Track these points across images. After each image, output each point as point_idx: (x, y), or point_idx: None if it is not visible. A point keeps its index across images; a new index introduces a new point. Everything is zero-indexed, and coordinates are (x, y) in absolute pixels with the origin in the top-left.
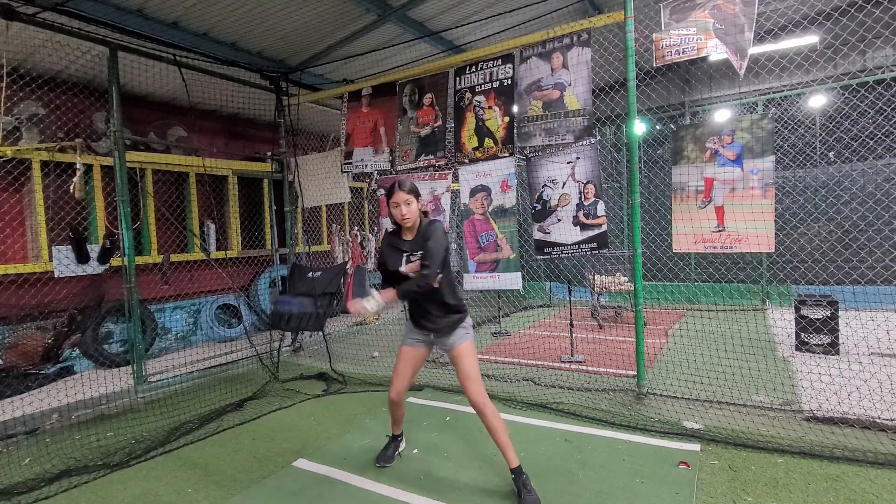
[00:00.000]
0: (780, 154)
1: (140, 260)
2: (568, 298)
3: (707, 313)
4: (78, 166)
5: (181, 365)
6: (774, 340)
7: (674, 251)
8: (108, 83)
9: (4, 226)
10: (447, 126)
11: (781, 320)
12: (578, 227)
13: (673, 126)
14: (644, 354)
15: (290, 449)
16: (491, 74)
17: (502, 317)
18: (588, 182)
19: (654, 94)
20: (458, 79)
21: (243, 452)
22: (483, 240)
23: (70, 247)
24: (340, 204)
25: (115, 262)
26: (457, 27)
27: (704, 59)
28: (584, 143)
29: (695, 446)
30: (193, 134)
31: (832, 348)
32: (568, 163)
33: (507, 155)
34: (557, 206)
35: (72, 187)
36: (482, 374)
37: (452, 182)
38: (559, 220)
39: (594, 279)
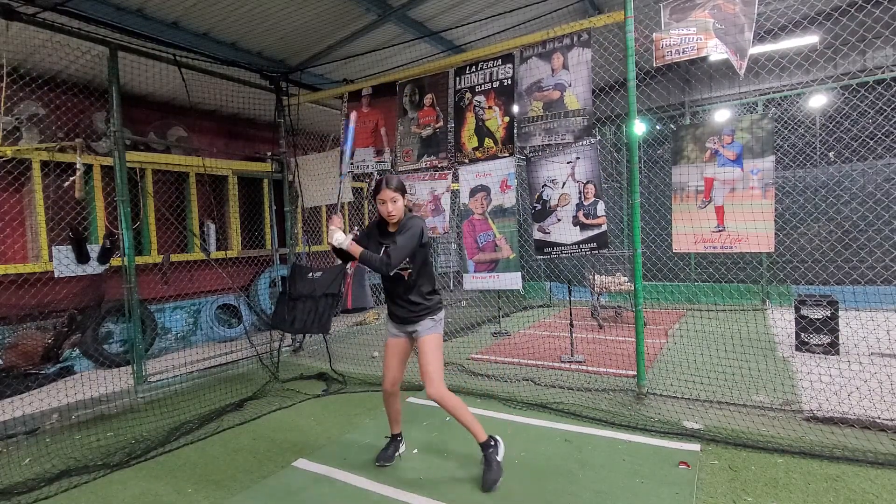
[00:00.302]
0: (780, 154)
1: (140, 260)
2: (568, 298)
3: (707, 313)
4: (78, 166)
5: (181, 365)
6: (774, 340)
7: (674, 251)
8: (108, 83)
9: (4, 226)
10: (449, 127)
11: (781, 320)
12: (578, 227)
13: (673, 126)
14: (644, 354)
15: (290, 449)
16: (491, 74)
17: (502, 317)
18: (588, 182)
19: (654, 94)
20: (458, 79)
21: (243, 452)
22: (481, 240)
23: (70, 247)
24: (341, 204)
25: (115, 262)
26: (457, 27)
27: (704, 59)
28: (584, 142)
29: (695, 446)
30: (193, 134)
31: (832, 348)
32: (568, 163)
33: (506, 155)
34: (557, 205)
35: (68, 184)
36: (482, 374)
37: (452, 182)
38: (559, 220)
39: (594, 279)
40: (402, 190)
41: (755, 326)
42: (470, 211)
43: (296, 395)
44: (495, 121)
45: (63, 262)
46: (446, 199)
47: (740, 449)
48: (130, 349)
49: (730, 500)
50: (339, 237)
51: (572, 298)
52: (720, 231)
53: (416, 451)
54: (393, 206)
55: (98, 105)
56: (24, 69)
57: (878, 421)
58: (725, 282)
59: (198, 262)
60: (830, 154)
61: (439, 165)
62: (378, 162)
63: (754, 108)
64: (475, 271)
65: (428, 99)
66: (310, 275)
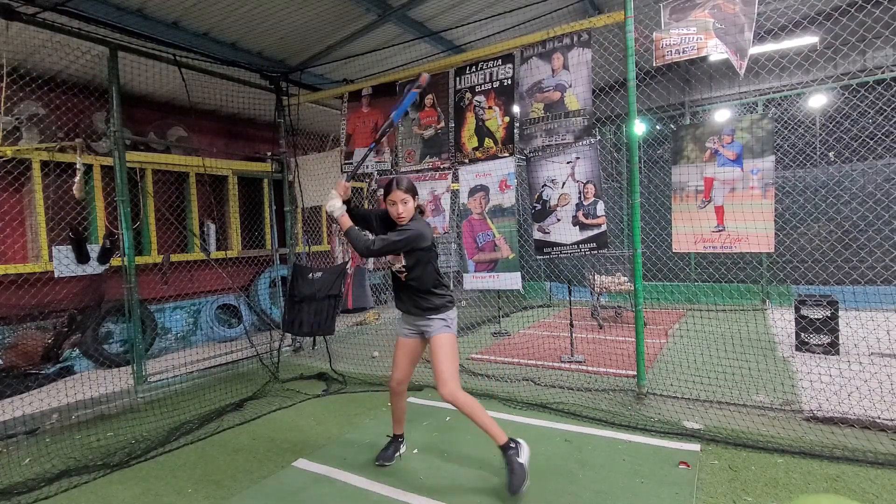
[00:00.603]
0: (780, 154)
1: (140, 260)
2: (568, 298)
3: (707, 313)
4: (78, 166)
5: (181, 365)
6: (774, 340)
7: (674, 251)
8: (108, 83)
9: (4, 226)
10: (450, 127)
11: (781, 320)
12: (578, 227)
13: (673, 126)
14: (644, 354)
15: (290, 449)
16: (491, 74)
17: (502, 317)
18: (588, 182)
19: (654, 94)
20: (458, 79)
21: (243, 452)
22: (480, 239)
23: (70, 247)
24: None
25: (115, 262)
26: (457, 27)
27: (704, 58)
28: (584, 142)
29: (695, 446)
30: (193, 134)
31: (832, 348)
32: (568, 163)
33: (506, 155)
34: (557, 205)
35: (76, 186)
36: (482, 374)
37: (452, 182)
38: (559, 220)
39: (594, 279)
40: (412, 191)
41: (755, 326)
42: (469, 211)
43: (296, 395)
44: (495, 121)
45: (63, 262)
46: (446, 199)
47: (740, 449)
48: (130, 349)
49: (730, 500)
50: (336, 204)
51: (572, 298)
52: (720, 231)
53: (416, 451)
54: (403, 207)
55: (98, 105)
56: (24, 69)
57: (878, 421)
58: (725, 282)
59: (198, 262)
60: (830, 154)
61: (441, 166)
62: (378, 162)
63: (754, 108)
64: (475, 271)
65: (429, 99)
66: (310, 275)
